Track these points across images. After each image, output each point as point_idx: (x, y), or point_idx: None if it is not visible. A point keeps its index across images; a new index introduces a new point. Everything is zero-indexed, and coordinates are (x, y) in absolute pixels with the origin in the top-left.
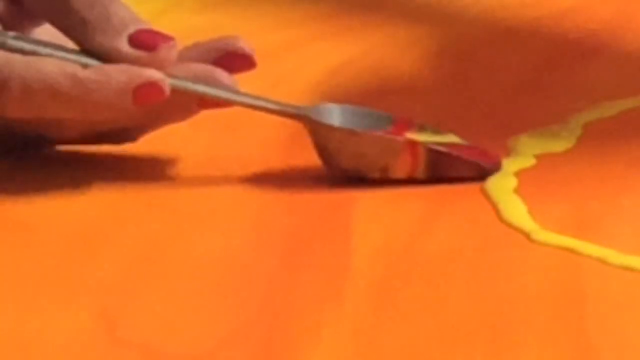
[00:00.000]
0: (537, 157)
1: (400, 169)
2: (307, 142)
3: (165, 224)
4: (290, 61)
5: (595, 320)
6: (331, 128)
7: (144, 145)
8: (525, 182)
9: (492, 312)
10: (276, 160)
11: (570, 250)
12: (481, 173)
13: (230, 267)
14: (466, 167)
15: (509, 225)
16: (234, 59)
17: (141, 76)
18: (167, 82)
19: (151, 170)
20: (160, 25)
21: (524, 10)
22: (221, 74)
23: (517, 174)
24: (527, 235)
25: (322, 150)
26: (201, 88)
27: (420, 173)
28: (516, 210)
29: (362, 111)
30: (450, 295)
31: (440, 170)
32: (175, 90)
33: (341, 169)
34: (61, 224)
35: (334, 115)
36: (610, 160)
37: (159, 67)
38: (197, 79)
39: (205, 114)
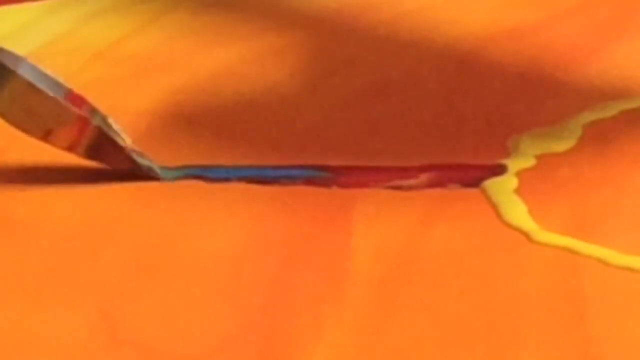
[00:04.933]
0: (537, 157)
1: (63, 138)
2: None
3: (165, 224)
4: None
5: (595, 321)
6: (13, 74)
7: (145, 145)
8: (526, 182)
9: (492, 312)
10: None
11: (571, 251)
12: (138, 170)
13: (230, 267)
14: (124, 160)
15: (509, 225)
16: None
17: None
18: None
19: None
20: (159, 26)
21: (523, 11)
22: None
23: (518, 174)
24: (527, 236)
25: None
26: None
27: (80, 150)
28: (516, 211)
29: (43, 72)
30: (450, 295)
31: (100, 154)
32: None
33: (6, 118)
34: (61, 224)
35: (16, 64)
36: (610, 160)
37: None
38: None
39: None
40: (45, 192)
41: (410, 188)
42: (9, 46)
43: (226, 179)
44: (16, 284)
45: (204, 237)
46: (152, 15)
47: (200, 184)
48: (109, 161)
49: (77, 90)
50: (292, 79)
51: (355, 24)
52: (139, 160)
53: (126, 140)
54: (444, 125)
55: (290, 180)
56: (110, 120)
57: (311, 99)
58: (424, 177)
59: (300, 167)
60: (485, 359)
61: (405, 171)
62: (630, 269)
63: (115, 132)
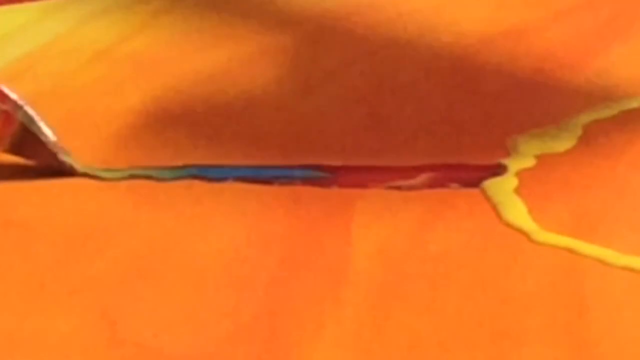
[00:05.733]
0: (537, 157)
1: None
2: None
3: (165, 224)
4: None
5: (595, 321)
6: None
7: (144, 145)
8: (526, 182)
9: (492, 313)
10: None
11: (570, 251)
12: (59, 165)
13: (230, 267)
14: (47, 156)
15: (509, 225)
16: None
17: None
18: None
19: None
20: (159, 26)
21: (523, 11)
22: None
23: (517, 174)
24: (527, 236)
25: None
26: None
27: (4, 145)
28: (516, 211)
29: None
30: (451, 295)
31: (23, 150)
32: None
33: None
34: (61, 224)
35: None
36: (610, 160)
37: None
38: None
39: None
40: (45, 192)
41: (410, 188)
42: (9, 46)
43: (225, 179)
44: (16, 284)
45: (204, 237)
46: (152, 15)
47: (200, 184)
48: (32, 157)
49: (77, 90)
50: (291, 78)
51: (354, 24)
52: (61, 157)
53: (49, 136)
54: (444, 125)
55: (289, 180)
56: (33, 115)
57: (311, 99)
58: (424, 177)
59: (300, 167)
60: (485, 359)
61: (405, 171)
62: (630, 269)
63: (39, 128)
